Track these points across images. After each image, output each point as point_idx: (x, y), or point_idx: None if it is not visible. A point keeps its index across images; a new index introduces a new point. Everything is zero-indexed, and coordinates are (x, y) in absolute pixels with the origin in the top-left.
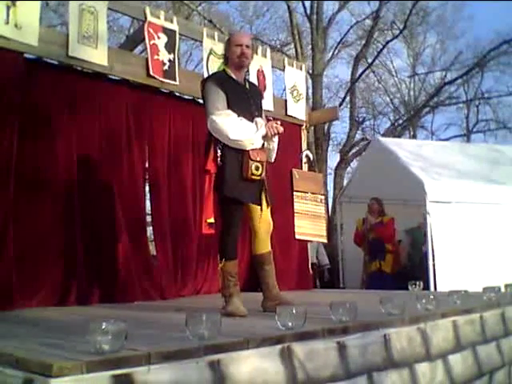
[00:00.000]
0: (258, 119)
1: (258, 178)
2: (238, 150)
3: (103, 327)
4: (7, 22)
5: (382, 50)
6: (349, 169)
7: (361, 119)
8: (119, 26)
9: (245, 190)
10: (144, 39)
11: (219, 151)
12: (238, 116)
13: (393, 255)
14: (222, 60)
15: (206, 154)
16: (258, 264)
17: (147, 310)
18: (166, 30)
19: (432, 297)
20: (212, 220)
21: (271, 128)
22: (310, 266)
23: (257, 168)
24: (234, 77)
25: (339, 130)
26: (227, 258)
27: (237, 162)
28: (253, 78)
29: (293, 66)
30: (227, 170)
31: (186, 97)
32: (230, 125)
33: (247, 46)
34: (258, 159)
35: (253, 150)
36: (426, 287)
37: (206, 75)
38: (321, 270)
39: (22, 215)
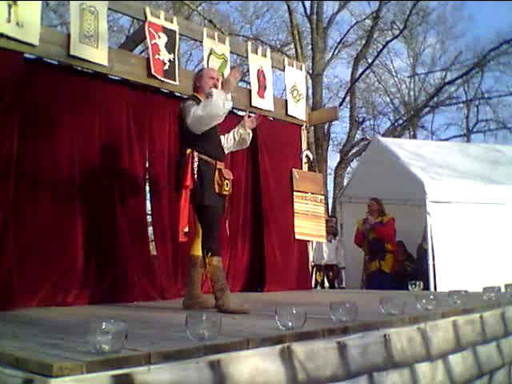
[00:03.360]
0: (212, 90)
1: (227, 193)
2: (212, 169)
3: (103, 327)
4: (9, 21)
5: (382, 50)
6: (349, 169)
7: (361, 119)
8: (119, 26)
9: (217, 202)
10: (145, 39)
11: (195, 169)
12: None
13: (392, 255)
14: (222, 60)
15: (183, 172)
16: (195, 264)
17: (147, 310)
18: (166, 30)
19: (432, 297)
20: (187, 229)
21: (228, 78)
22: (310, 266)
23: (227, 185)
24: None
25: (339, 130)
26: (216, 253)
27: (211, 179)
28: (253, 78)
29: (293, 66)
30: (205, 184)
31: (186, 97)
32: (199, 109)
33: (217, 80)
34: (228, 177)
35: (224, 169)
36: (426, 287)
37: None
38: (339, 270)
39: (22, 215)
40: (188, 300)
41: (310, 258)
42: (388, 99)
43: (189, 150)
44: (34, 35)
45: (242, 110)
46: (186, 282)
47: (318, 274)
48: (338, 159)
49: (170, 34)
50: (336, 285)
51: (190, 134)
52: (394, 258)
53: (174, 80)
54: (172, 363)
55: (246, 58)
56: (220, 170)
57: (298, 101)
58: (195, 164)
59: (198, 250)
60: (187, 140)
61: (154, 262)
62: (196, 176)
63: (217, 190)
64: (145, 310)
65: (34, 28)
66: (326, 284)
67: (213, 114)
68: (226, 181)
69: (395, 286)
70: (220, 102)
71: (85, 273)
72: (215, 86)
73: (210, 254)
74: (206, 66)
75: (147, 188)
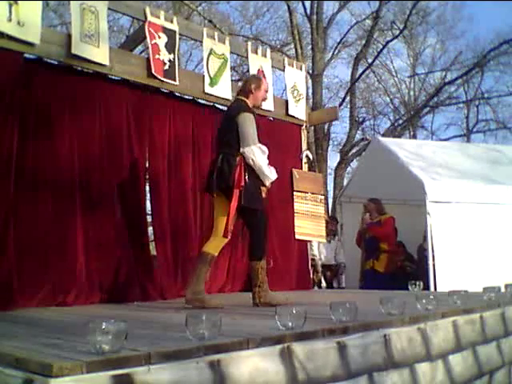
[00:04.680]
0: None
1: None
2: (255, 173)
3: (103, 327)
4: (10, 20)
5: (382, 50)
6: (349, 169)
7: (361, 119)
8: (119, 26)
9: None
10: (145, 39)
11: (246, 173)
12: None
13: (387, 255)
14: (222, 60)
15: (237, 172)
16: (205, 261)
17: (147, 310)
18: (166, 30)
19: (432, 297)
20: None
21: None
22: (310, 266)
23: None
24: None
25: (339, 130)
26: (264, 257)
27: (257, 184)
28: None
29: (293, 66)
30: (256, 188)
31: (186, 97)
32: (265, 161)
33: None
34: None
35: None
36: (426, 287)
37: (206, 75)
38: (338, 270)
39: (22, 215)
40: (190, 294)
41: (319, 257)
42: (388, 99)
43: (239, 153)
44: (34, 34)
45: None
46: (191, 277)
47: (315, 274)
48: (337, 159)
49: (169, 33)
50: (336, 285)
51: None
52: (388, 257)
53: (174, 80)
54: (172, 363)
55: (246, 58)
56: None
57: (298, 101)
58: (244, 167)
59: (211, 248)
60: (238, 144)
61: (153, 262)
62: (247, 177)
63: (264, 195)
64: (145, 310)
65: (34, 27)
66: (324, 284)
67: (260, 171)
68: (265, 187)
69: (389, 286)
70: (267, 180)
71: (85, 273)
72: (265, 99)
73: (259, 258)
74: (205, 66)
75: (147, 188)
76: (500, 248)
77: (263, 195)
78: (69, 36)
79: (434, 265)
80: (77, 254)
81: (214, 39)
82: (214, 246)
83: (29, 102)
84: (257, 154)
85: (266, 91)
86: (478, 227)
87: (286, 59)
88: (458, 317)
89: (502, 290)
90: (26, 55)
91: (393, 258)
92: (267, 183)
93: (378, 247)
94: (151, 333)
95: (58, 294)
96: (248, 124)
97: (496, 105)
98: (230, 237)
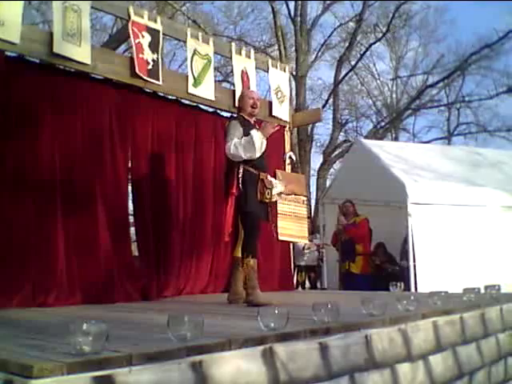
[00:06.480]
0: (252, 131)
1: (268, 200)
2: (255, 179)
3: (84, 328)
4: None
5: (365, 52)
6: (331, 170)
7: (343, 121)
8: (102, 24)
9: (259, 208)
10: (128, 38)
11: (240, 179)
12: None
13: (363, 257)
14: (205, 60)
15: (229, 180)
16: (237, 264)
17: (129, 310)
18: (149, 30)
19: (413, 298)
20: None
21: (266, 128)
22: (292, 267)
23: (268, 193)
24: (250, 121)
25: (322, 131)
26: (254, 256)
27: (254, 188)
28: (237, 79)
29: (276, 67)
30: (248, 193)
31: (170, 97)
32: (239, 145)
33: (257, 99)
34: (269, 186)
35: (266, 179)
36: (407, 288)
37: (189, 75)
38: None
39: (2, 215)
40: (232, 296)
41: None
42: (371, 101)
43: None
44: (15, 34)
45: (225, 111)
46: (230, 280)
47: (299, 274)
48: (320, 161)
49: (153, 33)
50: (318, 285)
51: None
52: (364, 259)
53: (158, 80)
54: (154, 364)
55: (230, 58)
56: (262, 179)
57: (281, 102)
58: (240, 174)
59: (239, 252)
60: None
61: (136, 263)
62: (241, 185)
63: (259, 198)
64: (126, 310)
65: (15, 26)
66: (308, 285)
67: (250, 155)
68: (268, 190)
69: (367, 287)
70: (258, 145)
71: (66, 273)
72: (255, 105)
73: (247, 255)
74: (189, 66)
75: (129, 188)
76: (480, 249)
77: (281, 186)
78: (51, 34)
79: (414, 266)
80: (58, 254)
81: (198, 39)
82: (240, 249)
83: (9, 101)
84: (231, 148)
85: (251, 98)
86: (458, 229)
87: (270, 60)
88: (439, 318)
89: (482, 291)
90: (7, 53)
91: (369, 259)
92: (255, 156)
93: (354, 249)
94: (133, 334)
95: (38, 294)
96: (229, 129)
97: (477, 108)
98: (227, 239)
